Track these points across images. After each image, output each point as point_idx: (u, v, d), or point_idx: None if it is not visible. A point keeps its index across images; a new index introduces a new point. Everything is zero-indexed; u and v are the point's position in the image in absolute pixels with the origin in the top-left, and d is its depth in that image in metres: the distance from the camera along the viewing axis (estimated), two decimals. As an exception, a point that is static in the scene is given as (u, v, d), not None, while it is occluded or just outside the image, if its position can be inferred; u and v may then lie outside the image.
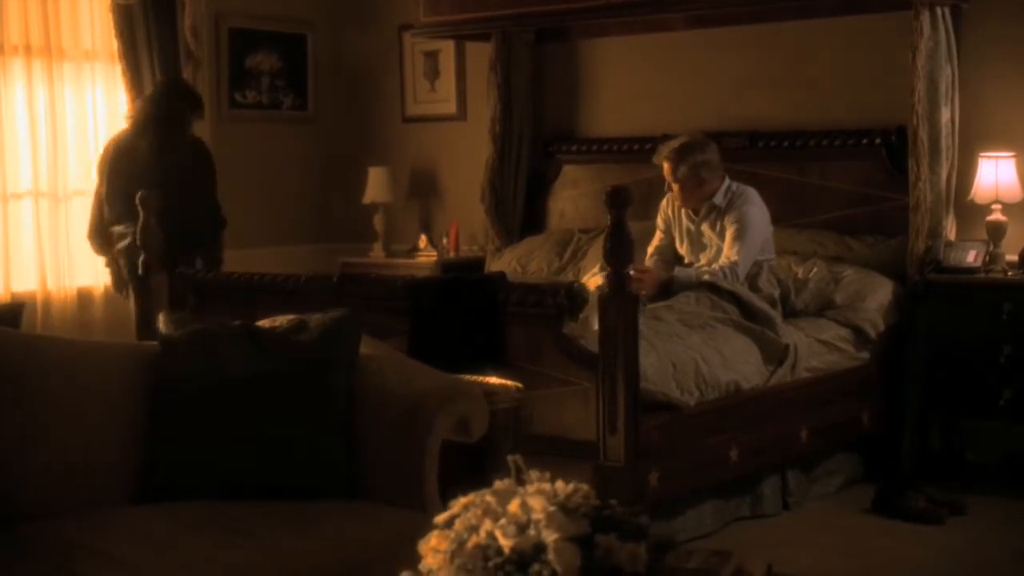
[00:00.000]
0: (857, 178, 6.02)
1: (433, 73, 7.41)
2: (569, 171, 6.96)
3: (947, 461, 5.50)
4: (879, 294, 5.58)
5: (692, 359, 4.72)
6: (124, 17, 6.52)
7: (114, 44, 6.55)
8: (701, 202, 5.51)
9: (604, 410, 4.28)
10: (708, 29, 6.46)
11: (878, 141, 5.95)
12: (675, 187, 5.53)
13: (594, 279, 5.27)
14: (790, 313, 5.49)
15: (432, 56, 7.39)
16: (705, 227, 5.54)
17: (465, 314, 4.58)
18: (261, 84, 7.28)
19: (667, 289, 5.34)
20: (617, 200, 4.31)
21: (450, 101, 7.37)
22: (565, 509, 1.97)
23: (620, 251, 4.31)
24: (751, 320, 5.10)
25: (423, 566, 2.04)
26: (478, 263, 6.94)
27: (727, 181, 5.52)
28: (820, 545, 4.63)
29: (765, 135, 6.28)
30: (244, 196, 7.24)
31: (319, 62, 7.64)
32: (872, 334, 5.49)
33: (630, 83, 6.84)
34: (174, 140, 6.10)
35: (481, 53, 6.95)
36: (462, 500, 2.03)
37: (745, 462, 4.81)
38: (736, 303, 5.15)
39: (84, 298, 6.53)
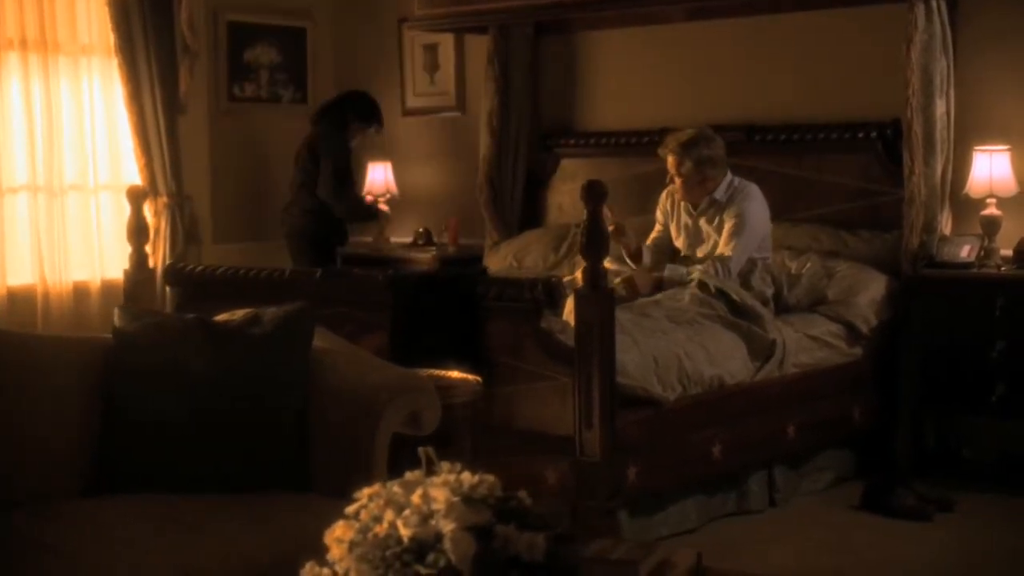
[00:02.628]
0: (853, 172, 5.96)
1: (433, 66, 7.39)
2: (567, 165, 6.93)
3: (943, 458, 5.42)
4: (872, 289, 5.52)
5: (675, 354, 4.67)
6: (120, 11, 6.52)
7: (111, 38, 6.55)
8: (702, 196, 5.46)
9: (580, 405, 4.25)
10: (705, 21, 6.42)
11: (874, 134, 5.88)
12: (678, 181, 5.47)
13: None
14: (783, 309, 5.44)
15: (431, 49, 7.37)
16: (703, 222, 5.49)
17: (444, 309, 4.56)
18: (260, 77, 7.27)
19: (658, 288, 5.30)
20: (592, 194, 4.28)
21: (449, 94, 7.34)
22: (468, 500, 1.95)
23: (595, 245, 4.29)
24: (739, 316, 5.05)
25: (329, 556, 2.03)
26: (477, 257, 6.91)
27: (729, 176, 5.46)
28: (803, 541, 4.58)
29: (761, 128, 6.22)
30: (243, 190, 7.25)
31: (318, 55, 7.64)
32: (864, 330, 5.42)
33: (628, 76, 6.80)
34: (329, 140, 6.67)
35: (481, 46, 6.92)
36: (367, 490, 2.01)
37: (729, 458, 4.76)
38: (724, 299, 5.10)
39: (80, 292, 6.53)
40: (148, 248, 6.51)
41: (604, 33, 6.83)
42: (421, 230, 7.27)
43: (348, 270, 5.47)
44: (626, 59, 6.81)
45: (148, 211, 6.64)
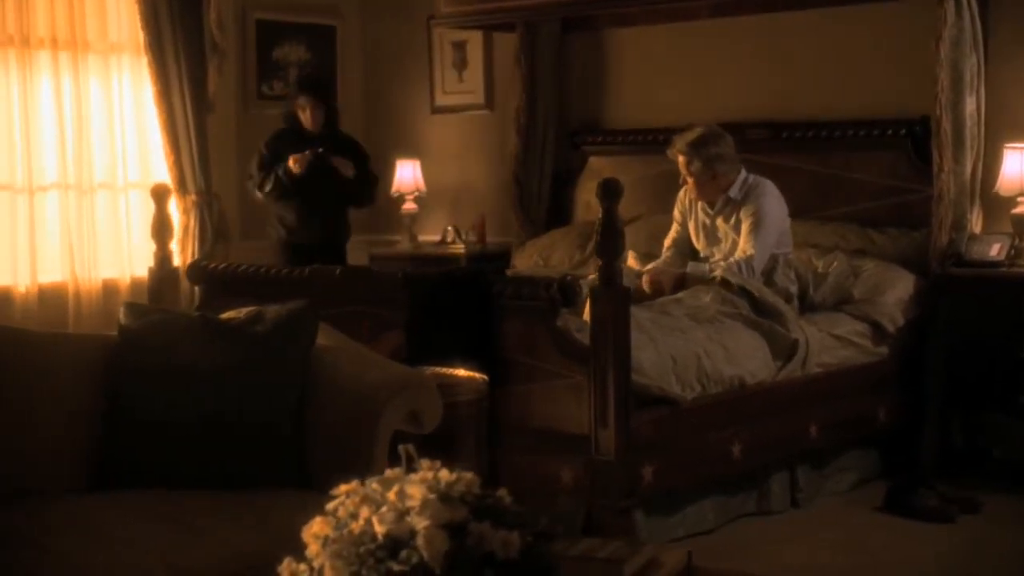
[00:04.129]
0: (881, 170, 5.90)
1: (461, 63, 7.38)
2: (595, 162, 6.90)
3: (970, 459, 5.35)
4: (898, 288, 5.46)
5: (694, 353, 4.64)
6: (150, 9, 6.55)
7: (140, 37, 6.58)
8: (716, 195, 5.42)
9: (595, 404, 4.22)
10: (732, 18, 6.37)
11: (903, 132, 5.83)
12: (690, 180, 5.45)
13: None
14: (808, 307, 5.39)
15: (460, 46, 7.36)
16: (720, 221, 5.44)
17: (460, 307, 4.55)
18: (289, 76, 7.28)
19: (681, 285, 5.27)
20: (608, 193, 4.26)
21: (478, 91, 7.33)
22: (445, 497, 1.94)
23: (611, 244, 4.26)
24: (761, 315, 5.00)
25: (308, 552, 2.02)
26: (505, 255, 6.89)
27: (743, 174, 5.42)
28: (821, 542, 4.54)
29: (788, 126, 6.18)
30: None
31: (347, 53, 7.64)
32: (890, 329, 5.36)
33: (654, 73, 6.76)
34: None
35: (509, 43, 6.92)
36: (344, 487, 2.00)
37: (749, 458, 4.72)
38: (747, 297, 5.06)
39: (110, 290, 6.57)
40: (175, 246, 6.63)
41: (630, 30, 6.80)
42: (449, 228, 7.26)
43: (366, 268, 5.47)
44: (652, 56, 6.77)
45: (177, 209, 6.69)
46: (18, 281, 6.32)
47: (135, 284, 6.58)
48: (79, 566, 2.58)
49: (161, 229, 5.45)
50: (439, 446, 3.45)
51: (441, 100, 7.50)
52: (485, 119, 7.34)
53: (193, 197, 6.75)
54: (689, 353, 4.62)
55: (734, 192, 5.38)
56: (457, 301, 4.56)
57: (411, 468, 2.06)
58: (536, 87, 6.78)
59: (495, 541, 1.86)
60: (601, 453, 4.22)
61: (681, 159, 5.41)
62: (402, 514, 1.93)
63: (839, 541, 4.54)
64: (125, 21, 6.63)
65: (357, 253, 7.13)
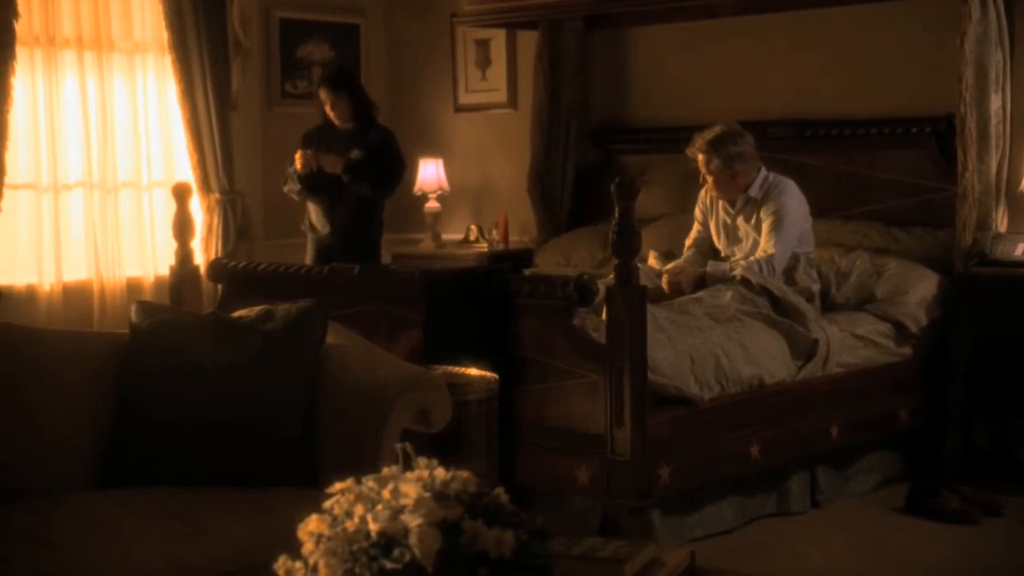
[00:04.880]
0: (906, 168, 5.85)
1: (484, 61, 7.37)
2: (618, 161, 6.87)
3: (995, 461, 5.29)
4: (922, 288, 5.41)
5: (712, 353, 4.61)
6: (174, 9, 6.58)
7: (164, 36, 6.61)
8: (736, 194, 5.39)
9: (611, 403, 4.20)
10: (756, 16, 6.34)
11: (927, 130, 5.78)
12: (709, 179, 5.42)
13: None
14: (830, 307, 5.35)
15: (483, 44, 7.35)
16: (740, 220, 5.41)
17: (477, 306, 4.54)
18: (312, 74, 7.28)
19: (701, 284, 5.24)
20: (623, 192, 4.24)
21: (501, 90, 7.32)
22: (440, 496, 1.93)
23: (627, 242, 4.25)
24: (782, 314, 4.97)
25: (304, 550, 2.01)
26: (527, 254, 6.88)
27: (763, 172, 5.39)
28: (841, 543, 4.51)
29: (812, 124, 6.14)
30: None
31: (371, 52, 7.65)
32: (913, 329, 5.31)
33: (678, 71, 6.73)
34: None
35: (533, 41, 6.90)
36: (339, 485, 1.99)
37: (768, 458, 4.68)
38: (768, 297, 5.03)
39: (134, 288, 6.60)
40: (200, 244, 6.66)
41: (654, 28, 6.77)
42: (472, 227, 7.25)
43: (384, 267, 5.47)
44: (676, 54, 6.74)
45: (200, 207, 6.72)
46: (43, 279, 6.36)
47: (159, 283, 6.60)
48: (85, 562, 2.60)
49: (182, 228, 5.45)
50: (449, 445, 3.46)
51: (464, 99, 7.49)
52: (508, 118, 7.32)
53: (216, 196, 6.78)
54: (707, 353, 4.60)
55: (754, 191, 5.34)
56: (474, 300, 4.55)
57: (408, 466, 2.05)
58: (559, 85, 6.76)
59: (489, 540, 1.85)
60: (617, 453, 4.20)
61: (700, 158, 5.39)
62: (396, 512, 1.91)
63: (859, 542, 4.51)
64: (149, 21, 6.66)
65: (382, 252, 7.13)
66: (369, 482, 2.00)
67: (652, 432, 4.25)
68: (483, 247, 7.10)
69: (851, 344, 5.13)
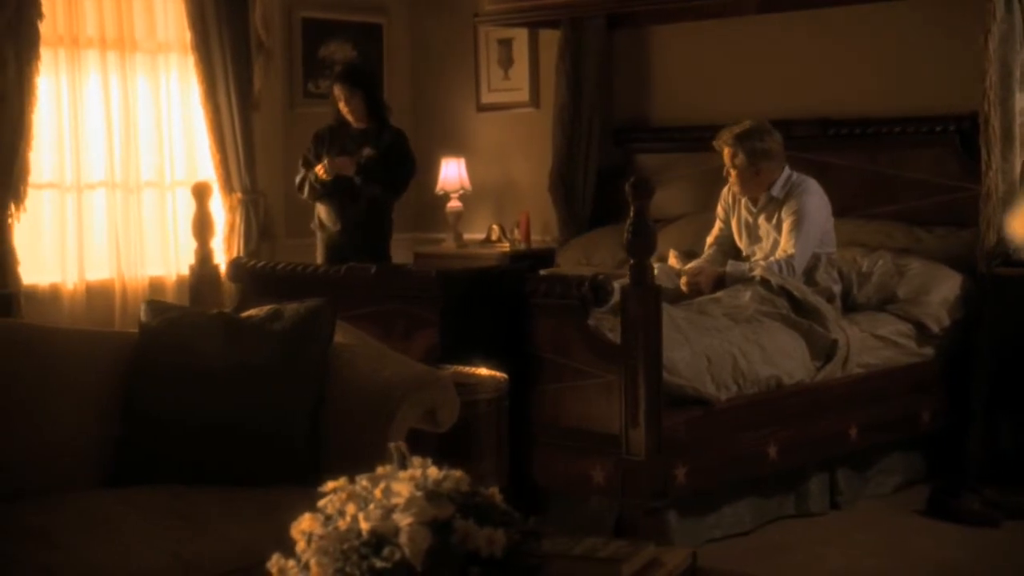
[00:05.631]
0: (929, 167, 5.80)
1: (507, 61, 7.36)
2: (641, 160, 6.85)
3: (1020, 462, 5.23)
4: (944, 288, 5.35)
5: (730, 353, 4.58)
6: (197, 9, 6.60)
7: (187, 36, 6.64)
8: (759, 191, 5.36)
9: (626, 403, 4.18)
10: (779, 13, 6.30)
11: (951, 128, 5.73)
12: (732, 173, 5.39)
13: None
14: (852, 307, 5.31)
15: (506, 43, 7.33)
16: (762, 219, 5.38)
17: (493, 306, 4.53)
18: (335, 74, 7.28)
19: (720, 284, 5.21)
20: (639, 191, 4.22)
21: (523, 89, 7.30)
22: (432, 495, 1.91)
23: (642, 242, 4.23)
24: (801, 314, 4.93)
25: (297, 549, 2.01)
26: (549, 254, 6.86)
27: (787, 171, 5.35)
28: (860, 545, 4.47)
29: (836, 122, 6.10)
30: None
31: (394, 51, 7.65)
32: (935, 329, 5.26)
33: (701, 70, 6.70)
34: None
35: (555, 40, 6.88)
36: (331, 484, 1.98)
37: (785, 459, 4.65)
38: (787, 297, 4.99)
39: (156, 288, 6.62)
40: (222, 243, 6.69)
41: (677, 27, 6.74)
42: (494, 227, 7.24)
43: (401, 266, 5.46)
44: (699, 53, 6.71)
45: (222, 207, 6.75)
46: (66, 278, 6.39)
47: (180, 282, 6.62)
48: (87, 561, 2.60)
49: (202, 227, 5.46)
50: (458, 445, 3.45)
51: (487, 98, 7.48)
52: (531, 117, 7.31)
53: (239, 195, 6.80)
54: (725, 353, 4.57)
55: (776, 190, 5.31)
56: (490, 300, 4.54)
57: (403, 465, 2.04)
58: (581, 84, 6.74)
59: (480, 539, 1.84)
60: (631, 453, 4.18)
61: (726, 151, 5.36)
62: (388, 511, 1.91)
63: (878, 544, 4.47)
64: (172, 21, 6.69)
65: (403, 251, 7.14)
66: (363, 481, 1.99)
67: (668, 432, 4.23)
68: (505, 247, 7.09)
69: (872, 345, 5.09)
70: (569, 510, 4.40)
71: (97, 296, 6.48)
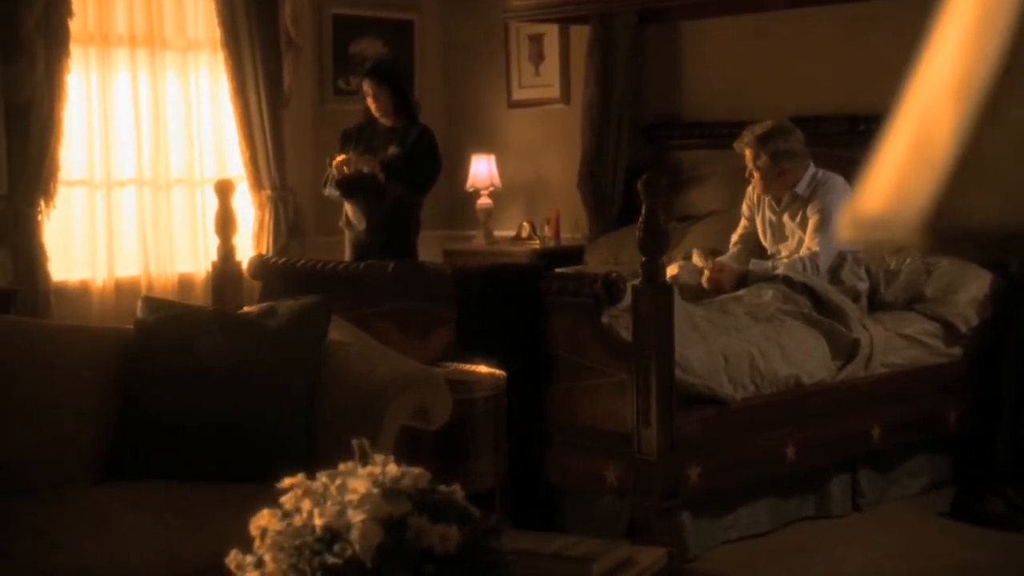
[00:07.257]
0: (959, 163, 5.69)
1: (538, 57, 7.32)
2: (671, 157, 6.79)
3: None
4: (973, 287, 5.26)
5: (747, 352, 4.52)
6: (226, 6, 6.62)
7: (217, 33, 6.66)
8: (782, 191, 5.29)
9: (638, 402, 4.14)
10: (810, 8, 6.22)
11: (983, 123, 5.61)
12: (756, 175, 5.33)
13: (670, 268, 5.11)
14: (879, 306, 5.22)
15: (536, 40, 7.30)
16: (786, 218, 5.31)
17: (507, 303, 4.50)
18: (363, 70, 7.28)
19: (742, 283, 5.15)
20: (650, 190, 4.18)
21: (554, 85, 7.26)
22: (390, 492, 1.89)
23: (653, 240, 4.18)
24: (823, 313, 4.86)
25: (255, 545, 1.99)
26: (578, 251, 6.82)
27: (812, 169, 5.28)
28: (878, 547, 4.40)
29: (865, 119, 5.99)
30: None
31: (425, 48, 7.63)
32: (963, 329, 5.16)
33: (732, 66, 6.63)
34: None
35: (586, 36, 6.83)
36: (288, 480, 1.96)
37: (804, 460, 4.58)
38: (810, 296, 4.92)
39: (185, 284, 6.65)
40: (251, 240, 6.71)
41: (707, 22, 6.68)
42: (524, 224, 7.21)
43: (418, 263, 5.44)
44: (730, 48, 6.64)
45: (252, 204, 6.77)
46: (96, 275, 6.43)
47: (210, 279, 6.63)
48: (83, 558, 2.60)
49: (225, 224, 5.48)
50: (454, 443, 3.43)
51: (518, 94, 7.45)
52: (561, 113, 7.27)
53: (268, 192, 6.81)
54: (742, 352, 4.51)
55: (801, 189, 5.24)
56: (505, 297, 4.51)
57: (365, 462, 2.02)
58: (611, 80, 6.69)
59: (433, 536, 1.81)
60: (643, 452, 4.13)
61: (748, 153, 5.30)
62: (344, 508, 1.89)
63: (899, 546, 4.40)
64: (202, 18, 6.71)
65: (433, 249, 7.12)
66: (322, 478, 1.97)
67: (682, 432, 4.18)
68: (535, 244, 7.05)
69: (897, 344, 5.00)
70: (583, 511, 4.37)
71: (126, 293, 6.50)
